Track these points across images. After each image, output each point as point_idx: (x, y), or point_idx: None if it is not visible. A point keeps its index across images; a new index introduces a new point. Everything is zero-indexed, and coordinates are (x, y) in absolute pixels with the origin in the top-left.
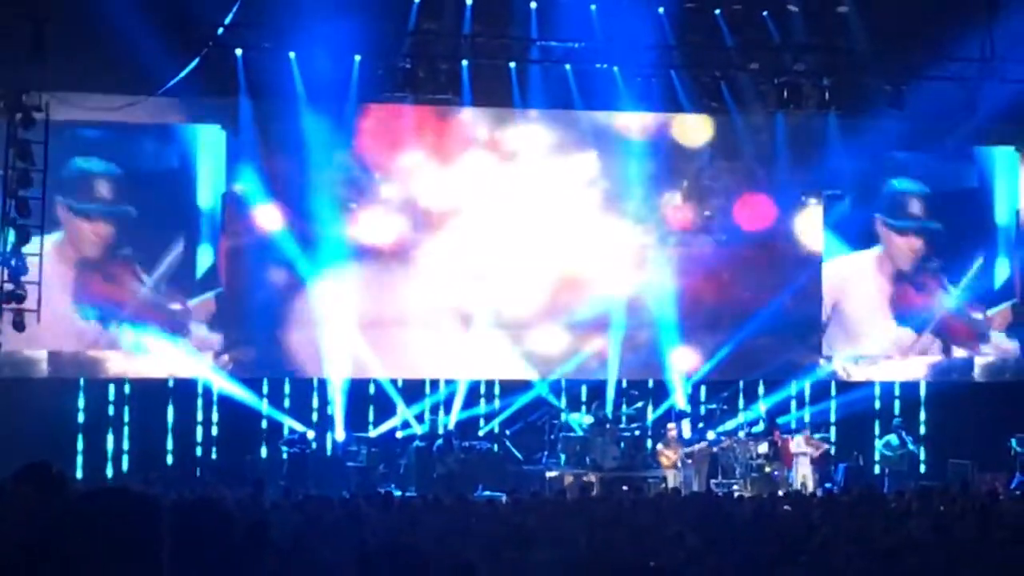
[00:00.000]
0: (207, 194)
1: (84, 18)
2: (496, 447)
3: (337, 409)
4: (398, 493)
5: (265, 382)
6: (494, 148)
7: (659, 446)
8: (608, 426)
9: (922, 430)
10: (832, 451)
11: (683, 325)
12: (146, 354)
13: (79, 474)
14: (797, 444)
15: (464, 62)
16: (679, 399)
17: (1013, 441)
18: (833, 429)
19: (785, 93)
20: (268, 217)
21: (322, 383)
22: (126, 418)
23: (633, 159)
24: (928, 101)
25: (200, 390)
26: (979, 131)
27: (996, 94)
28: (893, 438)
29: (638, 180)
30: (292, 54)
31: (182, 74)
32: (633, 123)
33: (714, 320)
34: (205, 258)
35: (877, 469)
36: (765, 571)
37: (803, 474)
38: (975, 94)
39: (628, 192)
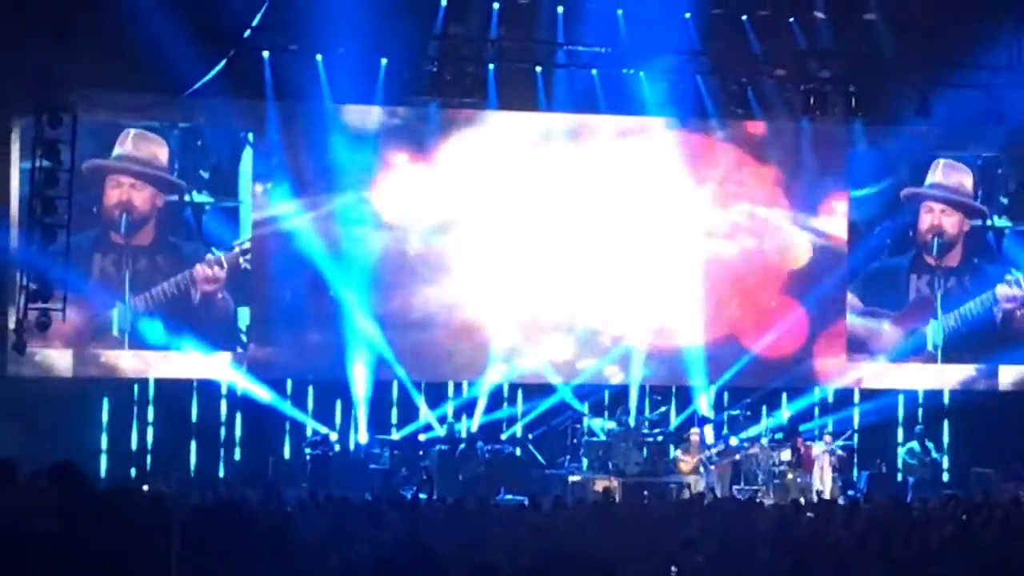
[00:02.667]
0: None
1: (112, 19)
2: (519, 451)
3: (360, 411)
4: (423, 496)
5: (289, 383)
6: (519, 150)
7: (678, 452)
8: (631, 431)
9: (945, 438)
10: (854, 456)
11: (707, 330)
12: (176, 351)
13: (102, 474)
14: (817, 451)
15: (490, 66)
16: (702, 405)
17: None
18: (856, 437)
19: (811, 100)
20: (294, 219)
21: (345, 385)
22: (150, 418)
23: (658, 165)
24: (954, 109)
25: (224, 391)
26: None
27: (1021, 101)
28: (915, 445)
29: (663, 186)
30: (319, 56)
31: (209, 75)
32: (658, 127)
33: (738, 326)
34: (231, 259)
35: (900, 476)
36: None
37: (823, 481)
38: (1002, 102)
39: (653, 197)
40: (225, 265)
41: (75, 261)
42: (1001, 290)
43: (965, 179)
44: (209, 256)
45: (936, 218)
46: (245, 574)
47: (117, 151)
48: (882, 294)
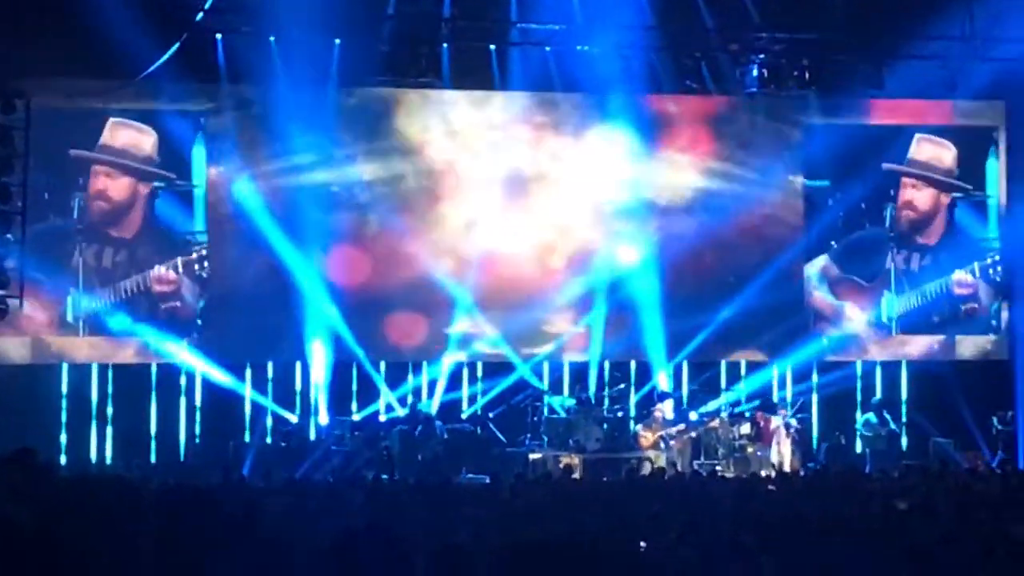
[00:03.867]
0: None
1: (64, 3)
2: (479, 430)
3: (320, 393)
4: (384, 477)
5: (248, 367)
6: (474, 129)
7: (639, 427)
8: (591, 408)
9: (903, 409)
10: (812, 429)
11: (665, 306)
12: (133, 337)
13: (63, 460)
14: (774, 424)
15: (444, 45)
16: (661, 381)
17: (994, 419)
18: (815, 409)
19: (765, 73)
20: (248, 202)
21: (305, 367)
22: (110, 404)
23: (614, 141)
24: (908, 80)
25: (183, 376)
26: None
27: (976, 73)
28: (872, 416)
29: (619, 162)
30: (272, 38)
31: (162, 59)
32: (614, 103)
33: (697, 301)
34: (187, 265)
35: (859, 448)
36: (750, 552)
37: (782, 453)
38: (955, 73)
39: (609, 174)
40: (181, 270)
41: (52, 249)
42: (957, 276)
43: (945, 154)
44: (165, 253)
45: (909, 193)
46: (208, 559)
47: (101, 141)
48: (859, 264)
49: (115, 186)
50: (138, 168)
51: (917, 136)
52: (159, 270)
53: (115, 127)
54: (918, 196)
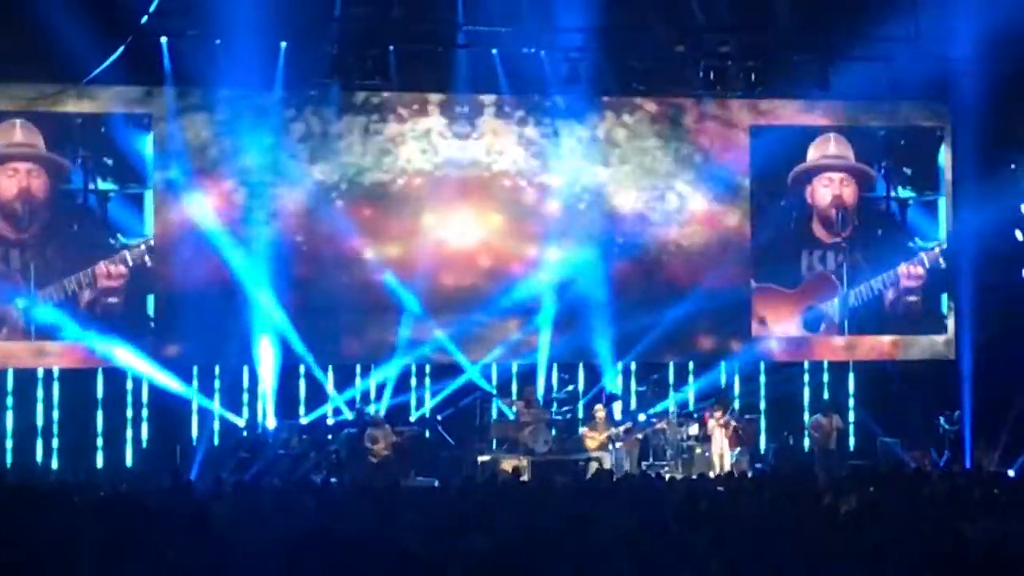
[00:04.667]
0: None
1: (6, 8)
2: (428, 432)
3: (268, 397)
4: (333, 480)
5: (195, 370)
6: (422, 131)
7: (584, 429)
8: (540, 410)
9: (851, 409)
10: (759, 429)
11: (613, 308)
12: (80, 342)
13: (7, 463)
14: (712, 425)
15: (391, 47)
16: (610, 382)
17: (941, 419)
18: (763, 409)
19: (711, 76)
20: (196, 206)
21: (252, 371)
22: (55, 409)
23: (561, 142)
24: (854, 81)
25: (130, 380)
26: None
27: (922, 73)
28: (821, 416)
29: (570, 162)
30: (218, 41)
31: (107, 63)
32: (562, 106)
33: (645, 303)
34: (135, 246)
35: (807, 448)
36: (699, 554)
37: (719, 453)
38: (901, 73)
39: (559, 174)
40: (130, 263)
41: None
42: (903, 269)
43: (848, 152)
44: (114, 254)
45: (836, 188)
46: (156, 563)
47: (3, 141)
48: (774, 270)
49: (36, 183)
50: (57, 161)
51: (828, 135)
52: (104, 267)
53: (22, 128)
54: (846, 191)
